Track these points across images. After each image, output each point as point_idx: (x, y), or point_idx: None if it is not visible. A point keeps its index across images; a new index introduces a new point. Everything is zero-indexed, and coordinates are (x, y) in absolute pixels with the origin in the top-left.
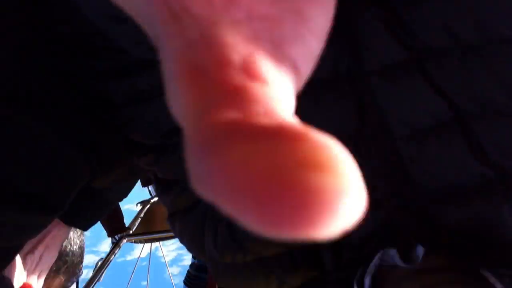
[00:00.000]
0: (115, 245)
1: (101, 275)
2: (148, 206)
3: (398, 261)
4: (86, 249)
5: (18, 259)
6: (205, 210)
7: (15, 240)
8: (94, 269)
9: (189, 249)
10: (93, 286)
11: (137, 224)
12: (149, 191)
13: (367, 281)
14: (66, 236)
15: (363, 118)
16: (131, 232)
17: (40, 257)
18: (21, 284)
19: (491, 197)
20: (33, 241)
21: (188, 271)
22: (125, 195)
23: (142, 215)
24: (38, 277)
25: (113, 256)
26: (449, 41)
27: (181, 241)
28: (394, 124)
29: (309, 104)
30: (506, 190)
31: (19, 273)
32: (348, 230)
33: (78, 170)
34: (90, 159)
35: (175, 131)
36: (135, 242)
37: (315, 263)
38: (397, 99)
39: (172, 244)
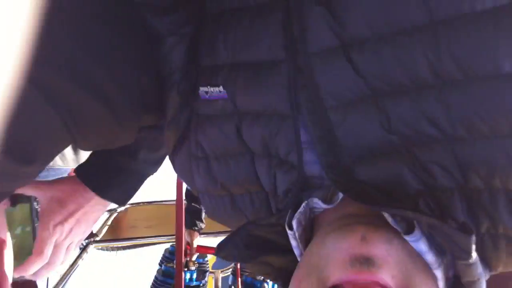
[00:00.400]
0: (83, 250)
1: (67, 279)
2: (115, 214)
3: (321, 205)
4: None
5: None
6: (189, 148)
7: None
8: (61, 274)
9: (185, 182)
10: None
11: (104, 231)
12: None
13: (294, 224)
14: (101, 213)
15: (299, 93)
16: (98, 238)
17: (70, 230)
18: None
19: (395, 159)
20: (64, 213)
21: (155, 276)
22: (157, 166)
23: (109, 223)
24: (67, 249)
25: (80, 260)
26: (367, 33)
27: (179, 176)
28: (326, 97)
29: (252, 84)
30: (407, 153)
31: None
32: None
33: (54, 129)
34: (65, 120)
35: (180, 68)
36: (101, 249)
37: (267, 207)
38: (328, 76)
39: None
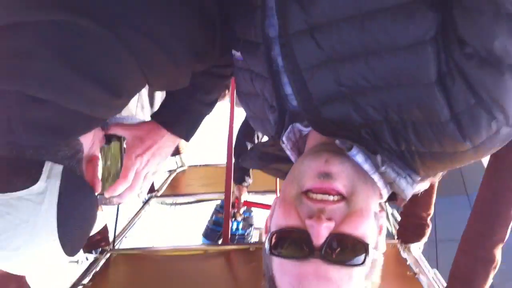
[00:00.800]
0: (145, 203)
1: (132, 226)
2: (174, 174)
3: (302, 128)
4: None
5: (97, 134)
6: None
7: (94, 112)
8: (128, 220)
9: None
10: (125, 234)
11: (164, 188)
12: (176, 162)
13: (284, 139)
14: (171, 149)
15: (286, 58)
16: (159, 194)
17: (147, 161)
18: (91, 153)
19: (345, 103)
20: (143, 147)
21: (206, 225)
22: (211, 108)
23: (169, 181)
24: (145, 177)
25: (143, 211)
26: (323, 20)
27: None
28: (300, 62)
29: (251, 54)
30: (351, 99)
31: (92, 143)
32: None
33: (135, 73)
34: (142, 66)
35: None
36: (162, 203)
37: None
38: (301, 48)
39: None
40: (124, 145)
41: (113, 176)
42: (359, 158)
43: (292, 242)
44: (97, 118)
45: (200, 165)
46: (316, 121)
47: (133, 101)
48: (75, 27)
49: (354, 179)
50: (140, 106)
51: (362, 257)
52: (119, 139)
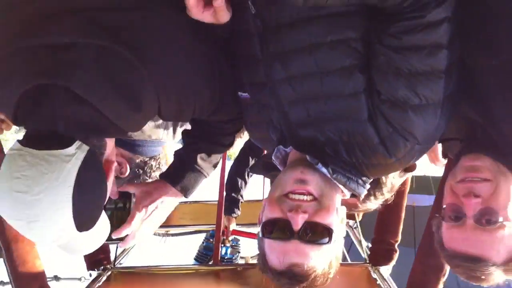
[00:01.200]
0: None
1: (126, 254)
2: None
3: (284, 149)
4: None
5: (115, 147)
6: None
7: (117, 121)
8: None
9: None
10: (123, 256)
11: None
12: None
13: (273, 158)
14: (174, 205)
15: (272, 96)
16: None
17: (151, 213)
18: (109, 158)
19: (313, 127)
20: (149, 200)
21: (198, 250)
22: (210, 170)
23: None
24: (147, 227)
25: None
26: (298, 72)
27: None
28: (282, 98)
29: (259, 93)
30: (317, 125)
31: (111, 150)
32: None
33: (152, 98)
34: (159, 97)
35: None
36: (154, 234)
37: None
38: (281, 89)
39: None
40: (133, 199)
41: (121, 220)
42: (324, 170)
43: (278, 228)
44: (119, 127)
45: (190, 202)
46: (295, 139)
47: (161, 128)
48: (120, 55)
49: (322, 185)
50: (165, 133)
51: (327, 238)
52: (129, 195)
